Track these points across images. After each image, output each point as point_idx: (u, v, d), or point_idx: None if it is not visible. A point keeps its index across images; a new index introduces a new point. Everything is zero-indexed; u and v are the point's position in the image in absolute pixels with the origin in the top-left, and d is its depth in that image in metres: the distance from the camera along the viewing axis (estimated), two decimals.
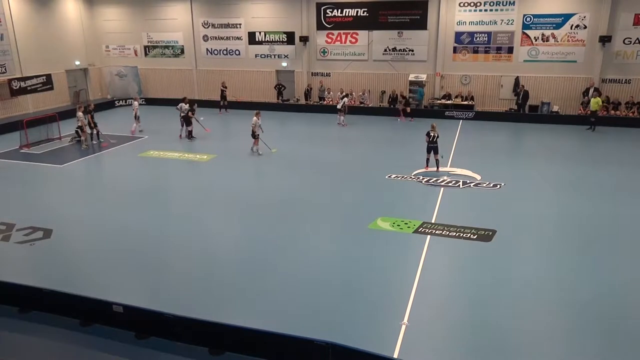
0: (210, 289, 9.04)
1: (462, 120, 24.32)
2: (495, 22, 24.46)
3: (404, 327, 7.68)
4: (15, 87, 24.91)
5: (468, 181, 14.87)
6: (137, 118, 21.57)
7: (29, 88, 25.73)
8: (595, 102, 21.47)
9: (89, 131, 19.80)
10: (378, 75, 26.89)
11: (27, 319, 8.22)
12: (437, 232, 11.22)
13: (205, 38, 29.24)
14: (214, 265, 9.98)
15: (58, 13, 27.85)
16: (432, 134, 15.52)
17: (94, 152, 19.03)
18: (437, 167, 15.72)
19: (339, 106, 23.19)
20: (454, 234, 11.12)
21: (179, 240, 11.09)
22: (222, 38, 28.95)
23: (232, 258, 10.31)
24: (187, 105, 20.50)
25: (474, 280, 9.18)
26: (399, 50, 26.23)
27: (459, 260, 10.07)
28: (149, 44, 30.40)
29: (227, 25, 28.60)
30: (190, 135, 20.40)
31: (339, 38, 26.98)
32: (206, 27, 29.02)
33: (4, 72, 24.58)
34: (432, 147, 15.65)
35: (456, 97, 25.48)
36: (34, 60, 26.14)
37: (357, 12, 26.28)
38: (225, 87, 26.85)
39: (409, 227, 11.52)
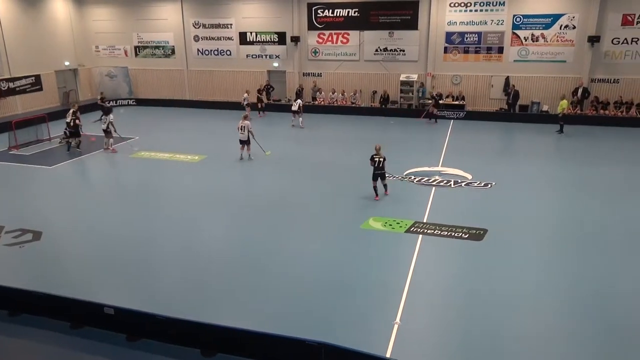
0: (201, 290, 9.01)
1: (453, 120, 24.44)
2: (486, 22, 24.59)
3: (396, 326, 7.70)
4: (4, 88, 24.66)
5: (459, 180, 14.94)
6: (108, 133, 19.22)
7: (17, 89, 25.47)
8: (561, 105, 21.28)
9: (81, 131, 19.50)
10: (369, 76, 26.94)
11: (17, 322, 8.14)
12: (428, 231, 11.26)
13: (196, 38, 29.12)
14: (205, 266, 9.93)
15: (47, 13, 27.59)
16: (377, 159, 13.02)
17: (84, 153, 18.84)
18: (386, 191, 13.60)
19: (294, 108, 22.83)
20: (446, 233, 11.17)
21: (170, 242, 11.04)
22: (213, 38, 28.85)
23: (223, 259, 10.27)
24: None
25: (466, 279, 9.23)
26: (390, 51, 26.29)
27: (450, 259, 10.12)
28: (140, 44, 30.22)
29: (218, 26, 28.51)
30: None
31: (330, 38, 27.00)
32: (197, 27, 28.90)
33: None
34: (379, 173, 13.17)
35: (447, 97, 25.59)
36: (23, 60, 25.88)
37: (348, 12, 26.30)
38: (261, 92, 26.42)
39: (400, 226, 11.55)
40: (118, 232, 11.52)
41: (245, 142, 17.27)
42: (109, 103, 23.99)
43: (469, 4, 24.55)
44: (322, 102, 26.98)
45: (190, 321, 7.29)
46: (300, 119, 22.63)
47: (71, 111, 18.89)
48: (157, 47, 29.99)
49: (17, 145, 19.34)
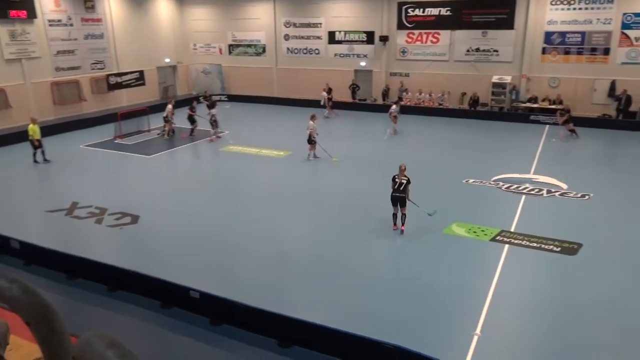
0: (283, 283, 9.22)
1: (549, 125, 22.97)
2: (591, 21, 22.83)
3: (476, 338, 7.40)
4: (112, 82, 26.81)
5: (553, 190, 14.02)
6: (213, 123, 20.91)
7: (123, 83, 27.59)
8: None
9: (174, 124, 20.99)
10: (459, 77, 26.06)
11: (114, 297, 8.85)
12: (516, 241, 10.70)
13: (287, 37, 29.85)
14: (286, 260, 10.16)
15: (152, 13, 29.67)
16: (398, 180, 10.92)
17: (179, 144, 20.06)
18: (402, 224, 11.16)
19: (394, 112, 21.02)
20: (535, 244, 10.54)
21: (255, 233, 11.41)
22: (302, 37, 29.42)
23: (303, 254, 10.45)
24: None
25: (554, 294, 8.65)
26: (482, 51, 25.26)
27: (538, 272, 9.53)
28: (233, 42, 31.55)
29: (308, 25, 29.01)
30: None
31: (419, 38, 26.47)
32: (288, 26, 29.62)
33: (102, 68, 26.59)
34: (397, 197, 10.93)
35: (543, 100, 24.12)
36: (129, 57, 28.03)
37: (440, 11, 25.62)
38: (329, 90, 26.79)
39: (485, 234, 11.07)
40: (207, 221, 12.12)
41: (310, 142, 17.36)
42: (212, 98, 25.35)
43: (572, 2, 22.93)
44: (408, 103, 26.55)
45: (270, 312, 7.50)
46: (395, 125, 21.22)
47: (170, 106, 20.50)
48: (249, 46, 31.14)
49: (121, 135, 21.02)
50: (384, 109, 26.13)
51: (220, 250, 10.55)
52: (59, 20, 24.27)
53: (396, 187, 10.90)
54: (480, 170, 15.79)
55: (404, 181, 10.88)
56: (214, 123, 20.48)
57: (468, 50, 25.56)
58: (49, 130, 21.60)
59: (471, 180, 14.83)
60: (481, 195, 13.70)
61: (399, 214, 11.18)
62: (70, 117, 24.06)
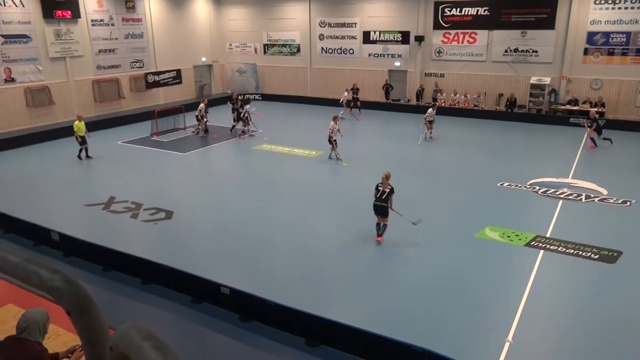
0: (313, 282, 9.25)
1: (590, 128, 22.22)
2: (637, 21, 21.96)
3: (507, 344, 7.24)
4: (150, 80, 27.51)
5: (592, 195, 13.58)
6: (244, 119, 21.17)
7: (161, 81, 28.26)
8: None
9: (208, 122, 21.35)
10: (496, 77, 25.54)
11: (147, 290, 9.07)
12: (551, 247, 10.41)
13: (321, 37, 29.91)
14: (316, 258, 10.19)
15: (190, 13, 30.26)
16: (381, 189, 10.54)
17: (213, 142, 20.39)
18: (380, 235, 10.70)
19: (430, 117, 19.93)
20: (572, 251, 10.23)
21: (286, 232, 11.50)
22: (337, 37, 29.42)
23: (333, 254, 10.44)
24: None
25: (591, 303, 8.38)
26: (521, 51, 24.67)
27: (574, 279, 9.26)
28: (268, 42, 31.82)
29: (343, 25, 28.99)
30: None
31: (456, 38, 26.07)
32: (323, 26, 29.68)
33: (141, 67, 27.29)
34: (378, 206, 10.53)
35: (584, 102, 23.37)
36: (167, 56, 28.66)
37: (478, 10, 25.16)
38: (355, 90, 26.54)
39: (520, 239, 10.82)
40: (239, 218, 12.27)
41: (330, 142, 17.34)
42: (240, 98, 25.66)
43: (617, 1, 22.12)
44: (443, 104, 26.18)
45: (299, 310, 7.54)
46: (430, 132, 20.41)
47: (202, 105, 20.97)
48: (284, 45, 31.35)
49: (157, 132, 21.52)
50: (417, 109, 25.91)
51: (252, 248, 10.67)
52: (101, 20, 25.04)
53: (378, 195, 10.51)
54: (516, 173, 15.43)
55: (387, 190, 10.44)
56: (245, 120, 20.76)
57: (506, 51, 25.01)
58: (89, 126, 22.13)
59: (506, 184, 14.51)
60: (516, 199, 13.40)
61: (382, 224, 10.74)
62: (110, 114, 24.78)
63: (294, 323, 7.63)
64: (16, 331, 3.76)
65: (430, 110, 20.16)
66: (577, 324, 7.84)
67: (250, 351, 7.47)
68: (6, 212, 11.70)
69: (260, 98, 31.10)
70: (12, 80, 21.60)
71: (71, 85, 23.93)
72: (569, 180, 14.87)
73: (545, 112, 24.21)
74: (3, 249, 1.11)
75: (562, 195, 13.55)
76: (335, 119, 17.45)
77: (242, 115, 20.91)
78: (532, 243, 10.62)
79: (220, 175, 16.83)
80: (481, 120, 24.19)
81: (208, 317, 8.19)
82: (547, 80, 24.09)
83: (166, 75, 28.52)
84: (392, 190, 10.46)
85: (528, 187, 14.29)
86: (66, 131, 20.90)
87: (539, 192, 13.84)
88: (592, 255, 10.04)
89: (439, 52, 26.70)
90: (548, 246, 10.45)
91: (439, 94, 26.55)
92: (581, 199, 13.34)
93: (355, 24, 28.56)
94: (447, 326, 7.75)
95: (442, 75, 26.94)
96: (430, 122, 20.05)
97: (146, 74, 27.18)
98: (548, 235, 10.97)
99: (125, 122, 23.93)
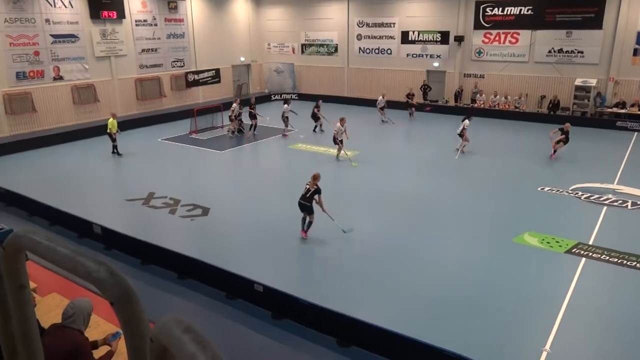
0: (347, 282, 9.24)
1: (638, 132, 21.34)
2: None
3: (545, 354, 7.03)
4: (190, 79, 28.14)
5: (639, 202, 13.01)
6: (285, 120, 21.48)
7: (200, 80, 28.86)
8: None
9: (249, 122, 21.52)
10: (539, 79, 24.83)
11: (183, 284, 9.27)
12: (594, 255, 10.04)
13: (359, 37, 29.83)
14: (349, 259, 10.18)
15: (230, 14, 30.74)
16: (307, 187, 10.64)
17: (250, 141, 20.65)
18: (304, 230, 10.86)
19: (461, 129, 18.20)
20: (616, 260, 9.83)
21: (320, 231, 11.49)
22: (375, 37, 29.28)
23: (368, 255, 10.39)
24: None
25: (634, 314, 8.03)
26: (565, 52, 23.89)
27: (618, 289, 8.89)
28: (306, 42, 31.98)
29: (382, 25, 28.82)
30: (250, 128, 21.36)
31: (497, 38, 25.49)
32: (361, 26, 29.59)
33: (182, 66, 27.92)
34: (301, 204, 10.64)
35: (632, 105, 22.42)
36: (207, 56, 29.22)
37: (521, 10, 24.52)
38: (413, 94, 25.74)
39: (560, 245, 10.48)
40: (273, 217, 12.38)
41: (335, 143, 17.35)
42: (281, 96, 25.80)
43: None
44: (482, 105, 25.66)
45: (331, 310, 7.54)
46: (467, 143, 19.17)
47: (235, 105, 21.05)
48: (321, 45, 31.44)
49: (196, 130, 21.95)
50: (456, 110, 25.51)
51: (286, 246, 10.74)
52: (145, 21, 25.76)
53: (303, 193, 10.63)
54: (558, 178, 14.97)
55: (312, 189, 10.50)
56: (285, 120, 20.87)
57: (550, 51, 24.28)
58: (131, 123, 23.06)
59: (547, 188, 14.09)
60: (557, 204, 12.99)
61: (307, 219, 10.83)
62: (151, 112, 25.48)
63: (325, 322, 7.64)
64: (62, 317, 3.91)
65: (466, 121, 18.27)
66: (619, 336, 7.53)
67: (282, 348, 7.52)
68: (53, 205, 12.19)
69: (296, 97, 31.27)
70: (61, 78, 22.50)
71: (115, 83, 24.72)
72: (614, 186, 14.30)
73: (590, 115, 23.37)
74: (53, 240, 1.16)
75: (606, 202, 13.05)
76: (342, 120, 17.45)
77: (282, 115, 21.04)
78: (573, 250, 10.27)
79: (256, 173, 17.03)
80: (522, 123, 23.56)
81: (241, 313, 8.30)
82: (592, 82, 23.25)
83: (205, 75, 29.12)
84: (317, 190, 10.50)
85: (570, 192, 13.82)
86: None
87: (582, 198, 13.37)
88: (638, 264, 9.63)
89: (479, 52, 26.17)
90: (590, 254, 10.09)
91: (478, 95, 26.05)
92: (627, 205, 12.81)
93: (394, 24, 28.34)
94: (482, 332, 7.59)
95: (482, 76, 26.41)
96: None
97: (186, 73, 27.83)
98: (590, 243, 10.59)
99: (166, 120, 24.54)
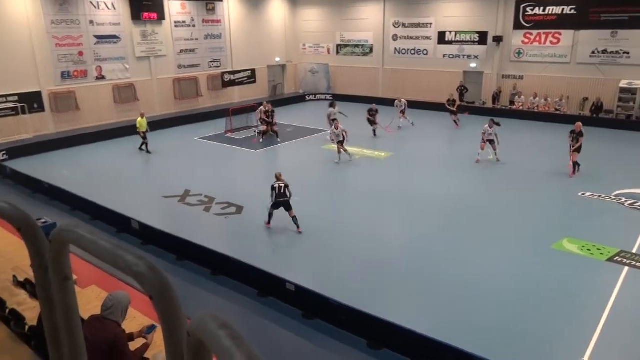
0: (379, 284, 9.19)
1: None
2: None
3: None
4: (226, 79, 28.60)
5: None
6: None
7: (236, 81, 29.29)
8: None
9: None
10: (581, 80, 24.01)
11: (216, 281, 9.42)
12: (637, 264, 9.64)
13: (395, 37, 29.60)
14: (382, 262, 10.11)
15: (266, 15, 31.04)
16: (277, 185, 11.32)
17: (283, 141, 20.78)
18: (298, 227, 11.34)
19: (489, 137, 16.75)
20: None
21: (353, 232, 11.48)
22: (411, 38, 28.99)
23: (401, 258, 10.31)
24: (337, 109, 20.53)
25: None
26: (610, 53, 23.03)
27: None
28: (341, 42, 31.96)
29: (418, 25, 28.51)
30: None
31: (537, 38, 24.81)
32: (397, 26, 29.36)
33: (218, 66, 28.39)
34: (282, 202, 11.26)
35: None
36: (243, 56, 29.60)
37: (563, 9, 23.79)
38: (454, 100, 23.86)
39: (601, 253, 10.12)
40: (305, 216, 12.39)
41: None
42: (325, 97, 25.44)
43: None
44: (521, 107, 25.03)
45: (362, 311, 7.51)
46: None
47: (262, 109, 20.87)
48: (356, 46, 31.36)
49: (231, 130, 22.27)
50: (493, 113, 24.95)
51: (318, 246, 10.77)
52: (184, 22, 26.32)
53: (280, 192, 11.22)
54: (600, 183, 14.44)
55: (284, 185, 11.29)
56: (332, 122, 19.70)
57: (593, 52, 23.46)
58: (169, 122, 23.62)
59: (588, 194, 13.62)
60: (599, 210, 12.54)
61: (290, 218, 11.36)
62: (188, 111, 26.01)
63: (356, 324, 7.61)
64: (101, 308, 4.05)
65: (488, 128, 16.72)
66: None
67: (311, 348, 7.54)
68: (94, 200, 12.61)
69: (331, 98, 31.31)
70: (103, 77, 23.25)
71: (154, 83, 25.36)
72: None
73: (636, 118, 22.46)
74: (96, 234, 1.20)
75: None
76: (334, 121, 17.31)
77: (329, 118, 20.11)
78: (615, 258, 9.90)
79: (289, 173, 17.05)
80: (562, 126, 22.74)
81: (272, 311, 8.37)
82: (638, 83, 22.33)
83: (241, 75, 29.53)
84: (287, 185, 11.35)
85: (613, 198, 13.32)
86: (149, 126, 22.21)
87: (626, 204, 12.87)
88: None
89: (519, 53, 25.55)
90: (634, 262, 9.69)
91: (517, 96, 25.42)
92: None
93: (431, 24, 28.00)
94: (518, 340, 7.41)
95: (521, 78, 25.76)
96: (491, 141, 16.70)
97: (223, 73, 28.30)
98: (634, 251, 10.17)
99: (202, 119, 24.99)
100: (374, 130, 21.09)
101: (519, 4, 24.86)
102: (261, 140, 20.69)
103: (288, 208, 11.32)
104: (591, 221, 11.87)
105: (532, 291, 8.77)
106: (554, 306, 8.28)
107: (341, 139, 17.09)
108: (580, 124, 15.47)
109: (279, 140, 20.65)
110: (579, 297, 8.59)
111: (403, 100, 23.16)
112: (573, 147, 15.25)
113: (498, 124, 17.09)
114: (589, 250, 10.28)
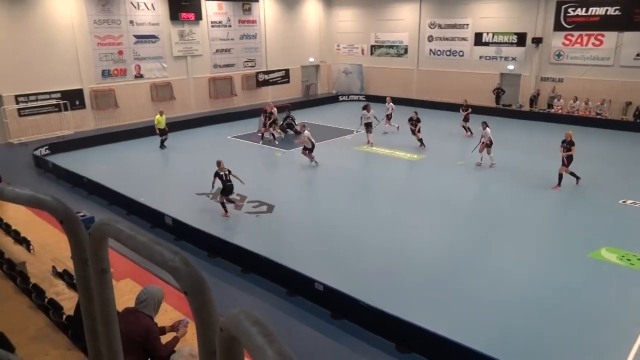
0: (408, 287, 9.11)
1: None
2: None
3: None
4: (261, 79, 28.90)
5: None
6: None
7: (270, 80, 29.56)
8: None
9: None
10: (625, 84, 23.14)
11: (246, 278, 9.52)
12: None
13: (430, 38, 29.26)
14: (411, 264, 10.02)
15: (301, 15, 31.20)
16: (222, 173, 12.31)
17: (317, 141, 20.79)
18: (226, 211, 12.49)
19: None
20: None
21: (384, 235, 11.41)
22: (447, 39, 28.59)
23: (430, 261, 10.17)
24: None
25: None
26: None
27: None
28: (376, 43, 31.81)
29: (454, 26, 28.10)
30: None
31: (579, 40, 24.07)
32: (432, 27, 29.02)
33: (253, 66, 28.71)
34: (229, 186, 12.40)
35: None
36: (277, 56, 29.84)
37: (607, 10, 22.99)
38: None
39: None
40: (336, 217, 12.43)
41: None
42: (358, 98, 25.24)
43: None
44: (560, 111, 24.33)
45: (391, 314, 7.44)
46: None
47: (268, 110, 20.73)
48: (391, 47, 31.15)
49: (265, 129, 22.40)
50: (531, 116, 24.43)
51: (348, 247, 10.75)
52: (220, 22, 26.74)
53: (226, 179, 12.30)
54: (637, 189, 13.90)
55: (227, 171, 12.36)
56: (368, 126, 19.65)
57: (638, 55, 22.59)
58: (204, 121, 24.03)
59: (629, 202, 13.13)
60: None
61: (228, 204, 12.54)
62: (222, 110, 26.40)
63: (384, 326, 7.56)
64: (135, 301, 4.15)
65: (488, 130, 16.22)
66: None
67: (338, 348, 7.53)
68: (130, 196, 12.94)
69: (364, 99, 31.20)
70: (141, 76, 23.86)
71: (190, 82, 25.86)
72: None
73: None
74: (133, 229, 1.23)
75: None
76: (303, 127, 17.28)
77: (361, 121, 19.74)
78: None
79: (321, 173, 17.15)
80: (604, 130, 22.07)
81: (300, 311, 8.40)
82: None
83: (275, 75, 29.78)
84: (229, 171, 12.40)
85: None
86: (184, 124, 22.71)
87: None
88: None
89: (559, 55, 24.84)
90: None
91: (556, 100, 24.72)
92: None
93: (467, 25, 27.55)
94: (552, 350, 7.20)
95: (561, 80, 25.04)
96: (489, 145, 16.09)
97: (257, 73, 28.60)
98: None
99: (236, 118, 25.30)
100: (420, 140, 19.07)
101: (560, 4, 24.18)
102: (272, 139, 20.45)
103: (229, 192, 12.49)
104: (632, 230, 11.42)
105: (566, 302, 8.50)
106: (591, 316, 8.01)
107: (310, 146, 16.53)
108: (570, 132, 14.38)
109: (276, 142, 20.33)
110: (617, 307, 8.28)
111: (392, 104, 22.00)
112: (564, 157, 14.12)
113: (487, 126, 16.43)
114: (628, 260, 9.91)
